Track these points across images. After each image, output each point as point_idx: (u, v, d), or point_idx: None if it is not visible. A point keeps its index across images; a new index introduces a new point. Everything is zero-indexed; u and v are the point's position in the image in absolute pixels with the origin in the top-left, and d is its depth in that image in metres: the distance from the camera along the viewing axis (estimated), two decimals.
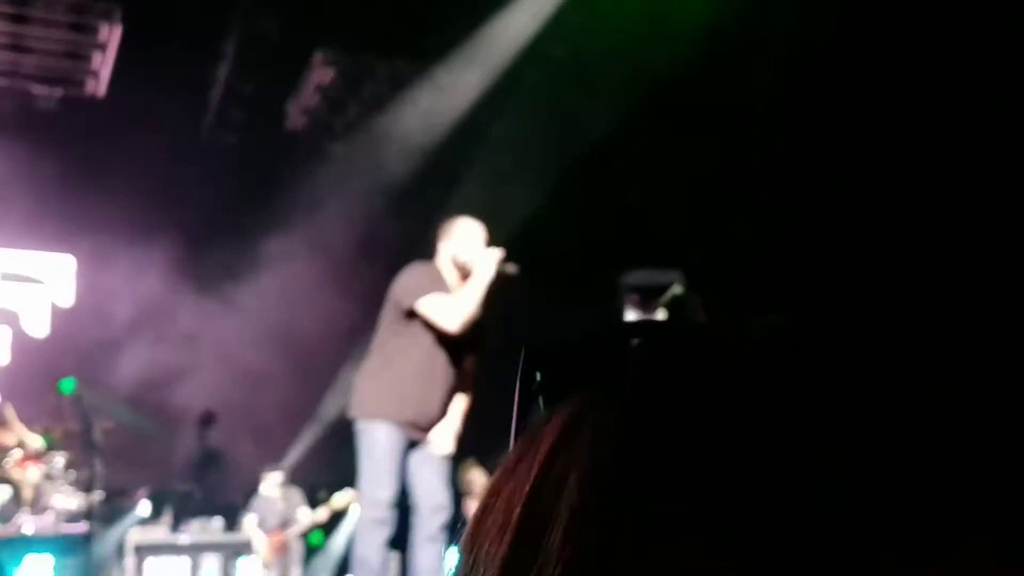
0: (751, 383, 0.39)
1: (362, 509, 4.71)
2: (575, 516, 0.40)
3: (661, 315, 1.34)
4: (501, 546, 0.44)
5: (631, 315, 1.32)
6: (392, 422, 4.64)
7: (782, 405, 0.38)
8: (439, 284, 4.78)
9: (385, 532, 4.59)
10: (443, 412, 4.85)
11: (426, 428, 4.77)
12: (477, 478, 9.25)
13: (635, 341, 0.49)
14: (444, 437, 4.87)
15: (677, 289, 1.39)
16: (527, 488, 0.44)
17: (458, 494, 8.15)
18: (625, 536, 0.39)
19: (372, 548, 4.58)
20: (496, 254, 4.63)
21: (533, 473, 0.44)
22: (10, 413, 8.94)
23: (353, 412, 4.76)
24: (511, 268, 4.66)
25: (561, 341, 0.52)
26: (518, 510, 0.44)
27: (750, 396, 0.39)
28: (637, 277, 1.35)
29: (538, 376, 0.51)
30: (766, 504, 0.36)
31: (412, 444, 4.75)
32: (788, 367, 0.40)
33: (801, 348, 0.41)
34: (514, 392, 0.51)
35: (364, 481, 4.66)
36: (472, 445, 6.94)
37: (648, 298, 1.36)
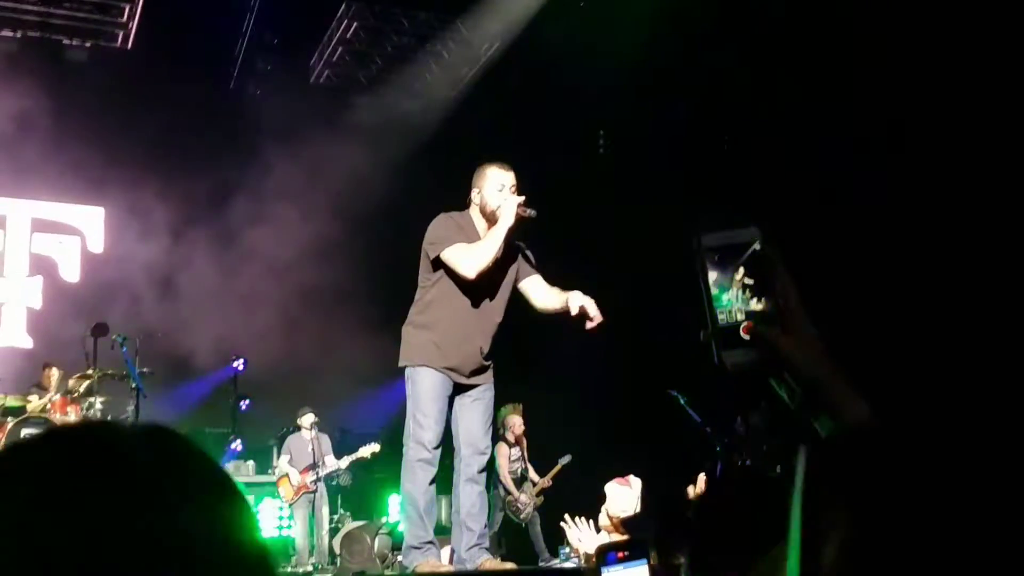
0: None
1: (407, 450, 4.84)
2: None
3: (740, 273, 1.47)
4: None
5: (712, 275, 1.45)
6: (435, 368, 4.81)
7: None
8: (469, 232, 4.87)
9: (429, 472, 4.72)
10: (488, 351, 4.93)
11: (470, 372, 4.85)
12: (516, 422, 9.60)
13: None
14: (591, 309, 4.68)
15: (756, 246, 1.53)
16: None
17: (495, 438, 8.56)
18: None
19: (417, 487, 4.73)
20: (516, 200, 4.72)
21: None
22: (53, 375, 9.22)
23: (401, 360, 4.93)
24: (530, 212, 4.76)
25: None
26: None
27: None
28: (715, 238, 1.48)
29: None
30: None
31: (460, 389, 4.86)
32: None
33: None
34: None
35: (409, 423, 4.84)
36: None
37: (727, 257, 1.49)
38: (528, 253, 5.06)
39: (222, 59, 11.26)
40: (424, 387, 4.79)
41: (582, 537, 4.63)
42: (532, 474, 10.04)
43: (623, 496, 4.85)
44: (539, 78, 10.56)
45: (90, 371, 9.11)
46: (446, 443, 4.88)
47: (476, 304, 4.87)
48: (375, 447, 9.69)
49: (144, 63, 10.72)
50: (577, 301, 4.67)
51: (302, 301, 10.73)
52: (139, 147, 10.73)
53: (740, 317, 1.61)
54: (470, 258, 4.72)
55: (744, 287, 1.59)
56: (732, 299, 1.58)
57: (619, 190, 9.93)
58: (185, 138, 10.90)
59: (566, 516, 4.11)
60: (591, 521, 4.74)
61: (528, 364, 8.96)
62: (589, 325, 4.67)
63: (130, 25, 10.59)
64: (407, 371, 4.87)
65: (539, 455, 10.07)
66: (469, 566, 4.83)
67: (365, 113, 11.50)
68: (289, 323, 10.66)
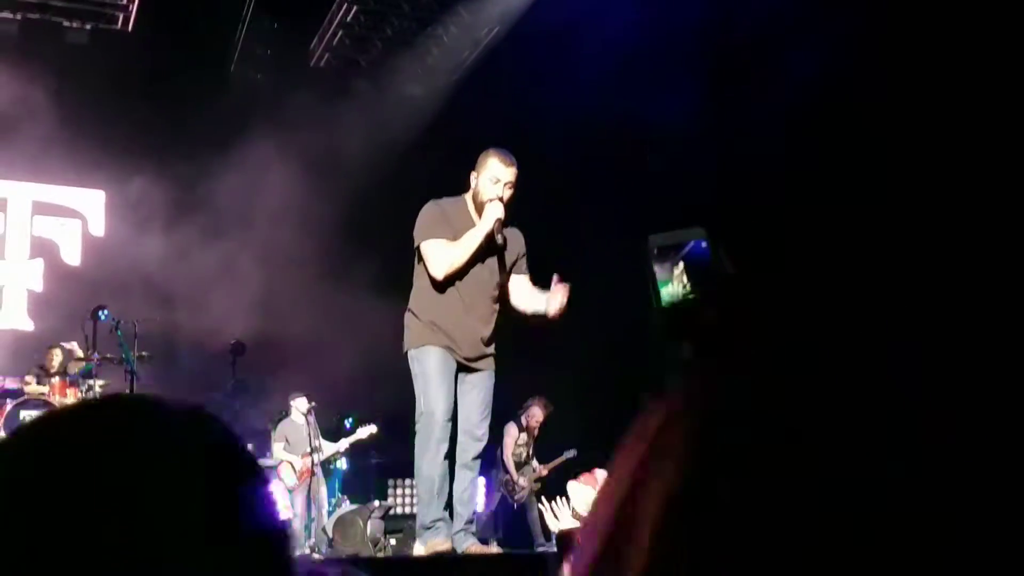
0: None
1: (419, 427, 4.83)
2: (651, 532, 0.43)
3: (679, 269, 1.47)
4: (593, 545, 0.46)
5: (656, 272, 1.45)
6: (437, 345, 4.83)
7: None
8: (458, 219, 4.86)
9: (442, 448, 4.76)
10: (487, 337, 4.94)
11: (470, 356, 4.89)
12: (536, 414, 9.89)
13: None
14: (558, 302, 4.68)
15: (702, 243, 1.54)
16: (619, 492, 0.46)
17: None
18: (686, 562, 0.41)
19: (429, 463, 4.76)
20: (497, 213, 4.72)
21: (626, 481, 0.46)
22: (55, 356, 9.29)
23: (404, 346, 4.95)
24: (499, 237, 4.75)
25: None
26: (611, 511, 0.46)
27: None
28: (661, 238, 1.49)
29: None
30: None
31: (461, 369, 4.89)
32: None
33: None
34: None
35: (420, 401, 4.83)
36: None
37: (669, 255, 1.50)
38: (523, 249, 5.05)
39: (222, 42, 11.23)
40: (429, 363, 4.81)
41: (559, 520, 4.65)
42: (534, 462, 10.20)
43: (585, 494, 4.87)
44: (540, 63, 10.52)
45: (89, 353, 9.14)
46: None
47: (470, 289, 4.88)
48: (373, 428, 9.76)
49: (144, 46, 10.71)
50: (555, 303, 4.64)
51: (302, 284, 10.74)
52: (139, 130, 10.73)
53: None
54: (440, 259, 4.77)
55: (683, 282, 1.61)
56: (671, 294, 1.60)
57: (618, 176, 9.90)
58: (185, 121, 10.89)
59: (542, 499, 4.13)
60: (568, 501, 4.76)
61: (540, 355, 8.97)
62: (552, 312, 4.65)
63: (131, 7, 10.57)
64: (410, 353, 4.90)
65: (544, 446, 10.20)
66: (457, 550, 4.86)
67: (365, 96, 11.48)
68: (289, 306, 10.68)
